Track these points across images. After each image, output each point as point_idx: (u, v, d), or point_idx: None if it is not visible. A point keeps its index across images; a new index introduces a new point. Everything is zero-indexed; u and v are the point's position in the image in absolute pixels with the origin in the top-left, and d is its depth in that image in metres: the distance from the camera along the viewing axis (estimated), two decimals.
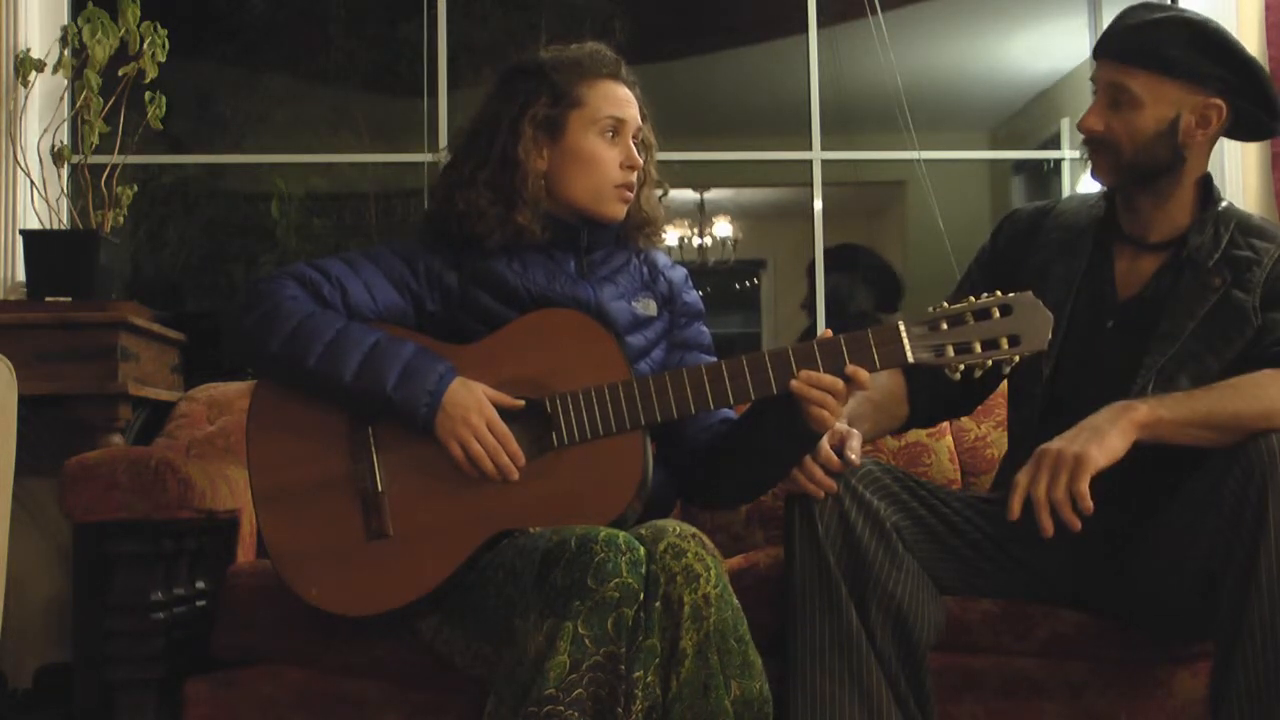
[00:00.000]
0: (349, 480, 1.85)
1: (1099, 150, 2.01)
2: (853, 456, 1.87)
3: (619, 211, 2.02)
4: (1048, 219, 2.15)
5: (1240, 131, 2.05)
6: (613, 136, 1.99)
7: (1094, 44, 2.03)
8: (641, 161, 2.02)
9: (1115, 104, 1.97)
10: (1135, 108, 1.96)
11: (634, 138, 2.02)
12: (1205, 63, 1.93)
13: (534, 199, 1.97)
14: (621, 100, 2.01)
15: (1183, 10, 2.01)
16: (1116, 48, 1.98)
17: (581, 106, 1.98)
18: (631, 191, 2.01)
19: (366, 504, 1.84)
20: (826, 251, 3.63)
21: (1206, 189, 2.04)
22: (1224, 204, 2.05)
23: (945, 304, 1.77)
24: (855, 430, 1.92)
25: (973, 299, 1.76)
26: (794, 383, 1.76)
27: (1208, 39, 1.94)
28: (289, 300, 1.87)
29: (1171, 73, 1.94)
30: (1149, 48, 1.94)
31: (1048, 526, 1.77)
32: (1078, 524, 1.76)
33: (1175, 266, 2.01)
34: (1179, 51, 1.93)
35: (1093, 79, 2.02)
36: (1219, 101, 1.95)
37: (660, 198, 2.12)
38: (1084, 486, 1.75)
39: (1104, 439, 1.77)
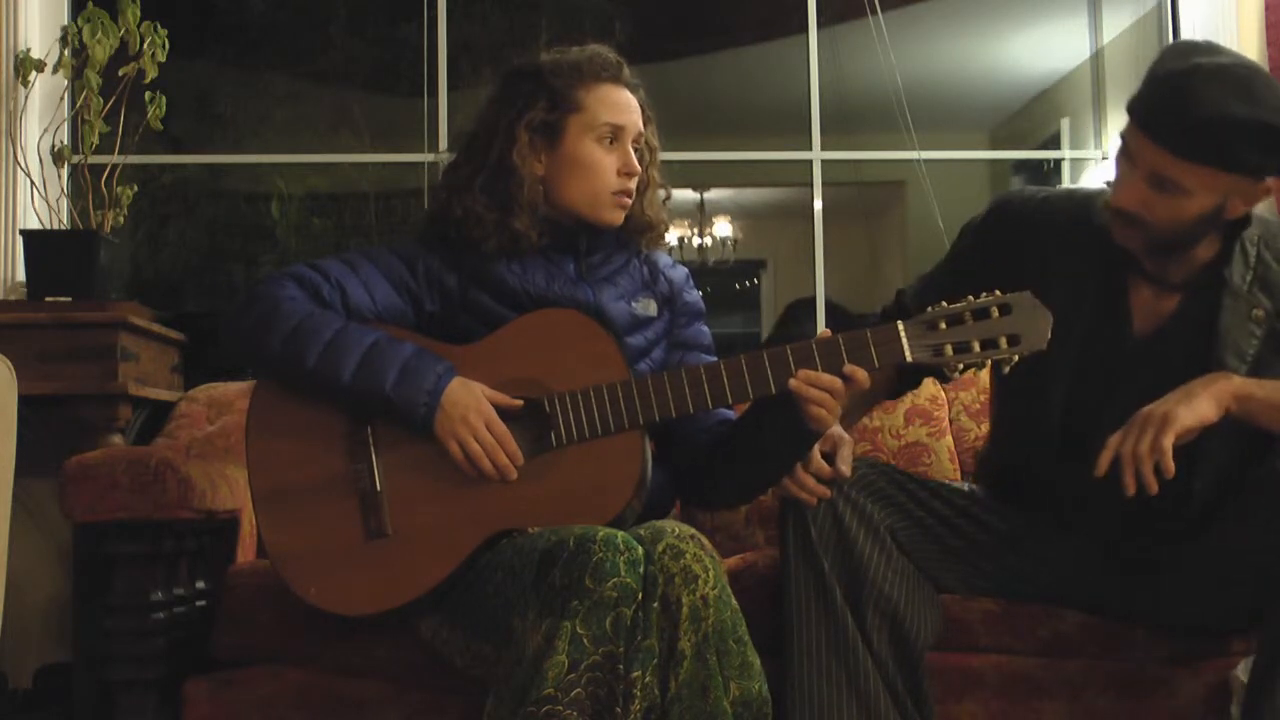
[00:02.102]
0: (348, 480, 1.85)
1: (1130, 224, 1.84)
2: (844, 467, 1.87)
3: (616, 218, 2.01)
4: (1040, 216, 2.01)
5: None
6: (611, 142, 1.98)
7: (1136, 107, 1.81)
8: (641, 167, 2.00)
9: (1159, 187, 1.80)
10: (1182, 195, 1.79)
11: (634, 143, 2.00)
12: (1269, 159, 1.78)
13: (531, 205, 1.97)
14: (621, 105, 1.99)
15: (1244, 93, 1.74)
16: (1172, 138, 1.76)
17: (580, 111, 1.97)
18: (629, 198, 2.00)
19: (365, 504, 1.84)
20: (788, 306, 3.61)
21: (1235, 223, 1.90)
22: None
23: (945, 304, 1.77)
24: (847, 437, 1.91)
25: (971, 298, 1.75)
26: (792, 382, 1.76)
27: (1272, 135, 1.74)
28: (288, 301, 1.87)
29: (1233, 170, 1.77)
30: (1214, 149, 1.75)
31: (1130, 484, 1.77)
32: (1155, 485, 1.76)
33: (1207, 298, 1.90)
34: (1249, 155, 1.76)
35: (1126, 140, 1.82)
36: (1270, 184, 1.83)
37: (664, 201, 2.10)
38: (1167, 443, 1.75)
39: (1194, 401, 1.78)
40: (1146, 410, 1.79)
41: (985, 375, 2.63)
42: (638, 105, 2.02)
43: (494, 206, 1.96)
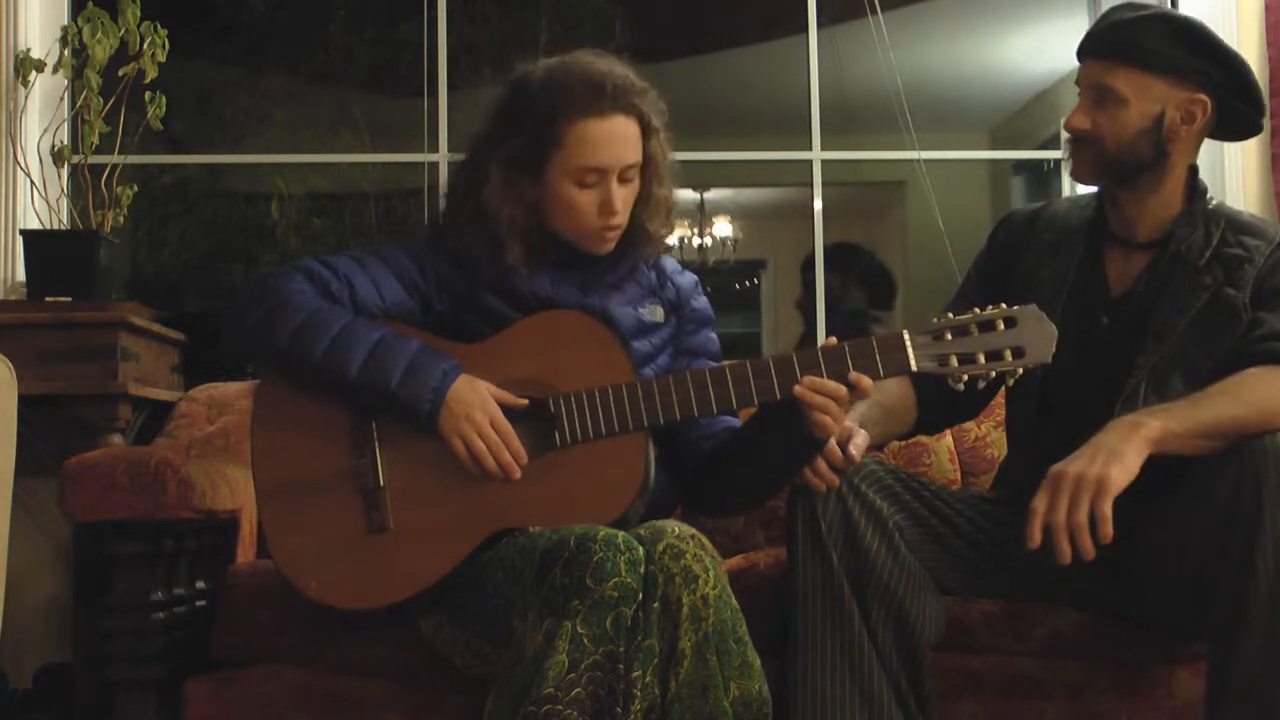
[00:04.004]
0: (351, 475, 1.85)
1: (1081, 148, 2.01)
2: (855, 454, 1.87)
3: (602, 249, 1.98)
4: (1039, 221, 2.15)
5: (1226, 130, 2.04)
6: (592, 182, 1.91)
7: (1079, 45, 2.02)
8: (618, 207, 1.92)
9: (1100, 101, 1.97)
10: (1120, 104, 1.95)
11: (625, 173, 1.92)
12: (1188, 57, 1.93)
13: (519, 234, 1.94)
14: (602, 144, 1.89)
15: (1164, 8, 2.03)
16: (1099, 46, 1.99)
17: (560, 149, 1.90)
18: (614, 231, 1.96)
19: (368, 499, 1.84)
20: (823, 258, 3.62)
21: (1193, 183, 2.03)
22: (1213, 202, 2.04)
23: (950, 314, 1.78)
24: (863, 430, 1.91)
25: (977, 310, 1.77)
26: (797, 388, 1.76)
27: (1189, 34, 1.95)
28: (296, 295, 1.87)
29: (1154, 68, 1.94)
30: (1131, 43, 1.95)
31: (1066, 553, 1.74)
32: (1093, 551, 1.74)
33: (1165, 262, 2.00)
34: (1161, 46, 1.93)
35: (1077, 81, 2.02)
36: (1203, 97, 1.95)
37: (667, 213, 2.03)
38: (1108, 510, 1.72)
39: (1123, 459, 1.74)
40: (1075, 473, 1.75)
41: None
42: (630, 131, 1.92)
43: (482, 238, 1.94)
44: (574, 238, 1.97)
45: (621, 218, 1.94)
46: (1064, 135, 2.04)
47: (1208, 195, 2.04)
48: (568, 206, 1.93)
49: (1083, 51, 2.02)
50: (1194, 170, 2.04)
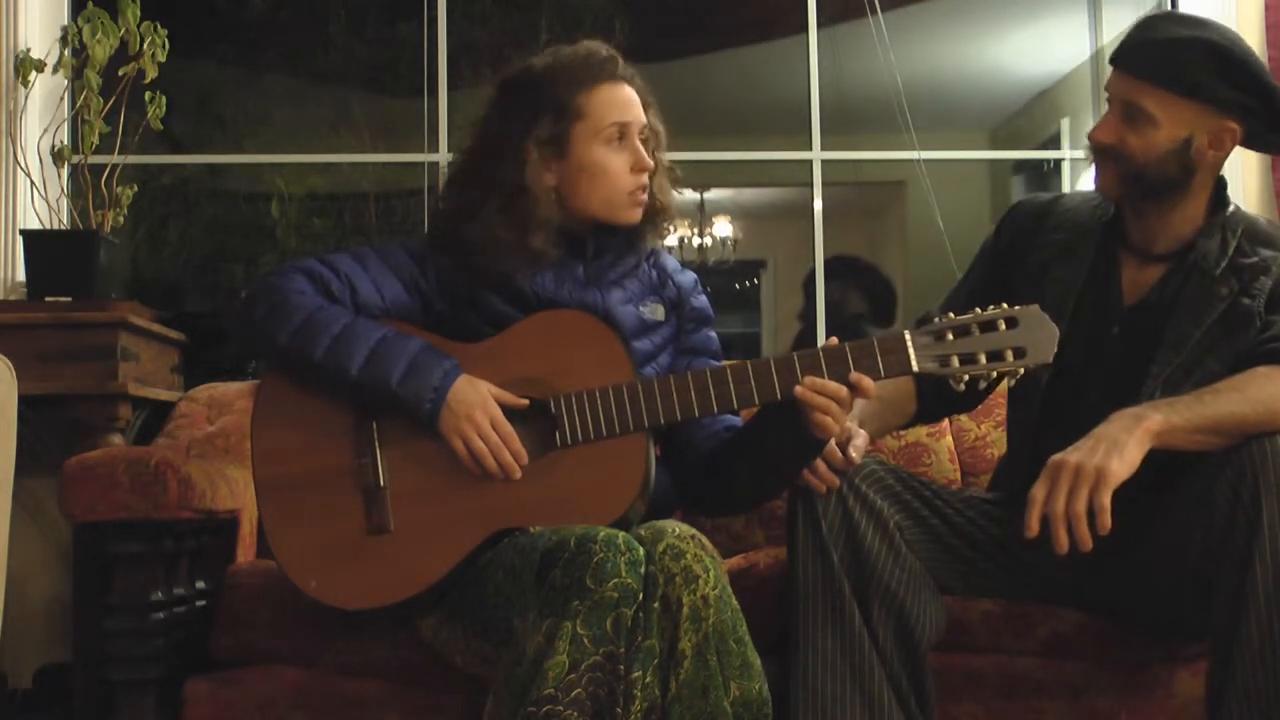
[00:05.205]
0: (352, 474, 1.86)
1: (1108, 161, 1.96)
2: (855, 455, 1.87)
3: (635, 216, 2.00)
4: (1051, 216, 2.12)
5: (1249, 144, 2.01)
6: (620, 141, 1.97)
7: (1113, 51, 1.97)
8: (650, 161, 1.99)
9: (1129, 118, 1.93)
10: (1150, 125, 1.91)
11: (640, 135, 1.99)
12: (1225, 87, 1.89)
13: (547, 220, 1.95)
14: (622, 102, 1.98)
15: (1206, 27, 1.94)
16: (1137, 63, 1.93)
17: (584, 118, 1.95)
18: (645, 193, 1.99)
19: (368, 498, 1.84)
20: (824, 262, 3.63)
21: (1218, 197, 2.01)
22: (1231, 208, 2.02)
23: (951, 315, 1.78)
24: (861, 430, 1.92)
25: (979, 310, 1.76)
26: (798, 388, 1.76)
27: (1232, 63, 1.89)
28: (297, 294, 1.88)
29: (1189, 94, 1.89)
30: (1172, 69, 1.89)
31: (1063, 542, 1.74)
32: (1090, 542, 1.73)
33: (1182, 272, 1.98)
34: (1199, 75, 1.88)
35: (1106, 87, 1.97)
36: (1234, 125, 1.92)
37: (673, 183, 2.08)
38: (1106, 501, 1.72)
39: (1124, 451, 1.74)
40: (1075, 463, 1.75)
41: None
42: (637, 97, 2.01)
43: (511, 227, 1.95)
44: (605, 209, 1.98)
45: (648, 177, 1.99)
46: (1087, 144, 2.00)
47: (1229, 206, 2.01)
48: (601, 171, 1.96)
49: (1117, 61, 1.96)
50: (1220, 184, 2.01)
